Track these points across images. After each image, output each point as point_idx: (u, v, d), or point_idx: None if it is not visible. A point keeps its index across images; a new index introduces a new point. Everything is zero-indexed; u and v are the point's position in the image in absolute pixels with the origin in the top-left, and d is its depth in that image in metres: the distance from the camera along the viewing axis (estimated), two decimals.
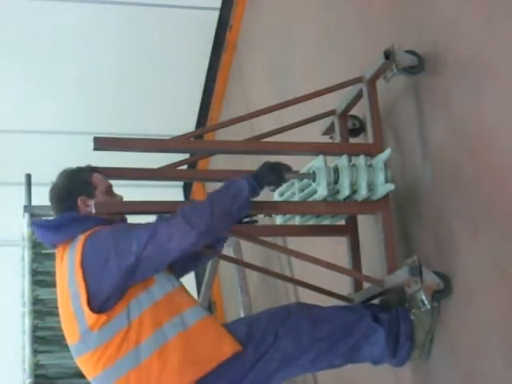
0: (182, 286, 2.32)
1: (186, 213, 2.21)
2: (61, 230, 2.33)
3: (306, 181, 2.52)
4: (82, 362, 2.29)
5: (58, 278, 2.35)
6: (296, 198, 2.56)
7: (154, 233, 2.20)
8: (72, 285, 2.23)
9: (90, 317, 2.18)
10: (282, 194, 2.66)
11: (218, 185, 2.35)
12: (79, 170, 2.42)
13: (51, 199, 2.42)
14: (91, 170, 2.42)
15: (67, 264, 2.26)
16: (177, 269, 2.44)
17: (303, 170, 2.56)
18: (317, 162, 2.47)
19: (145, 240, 2.18)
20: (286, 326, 2.33)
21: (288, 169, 2.41)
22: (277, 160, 2.42)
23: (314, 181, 2.45)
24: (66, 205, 2.37)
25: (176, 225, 2.19)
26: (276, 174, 2.36)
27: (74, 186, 2.38)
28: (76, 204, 2.35)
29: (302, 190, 2.55)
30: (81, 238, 2.25)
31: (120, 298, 2.19)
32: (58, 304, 2.35)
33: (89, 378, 2.30)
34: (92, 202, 2.30)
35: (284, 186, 2.63)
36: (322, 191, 2.43)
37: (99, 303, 2.18)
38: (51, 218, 2.41)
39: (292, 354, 2.30)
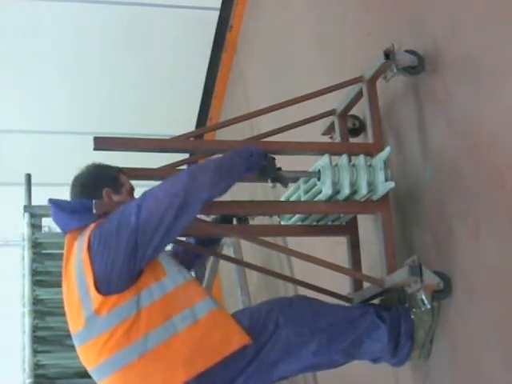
0: (194, 279, 2.33)
1: (189, 170, 2.25)
2: (74, 216, 2.33)
3: (310, 183, 2.52)
4: (86, 350, 2.28)
5: (65, 266, 2.33)
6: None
7: (148, 193, 2.20)
8: (79, 270, 2.22)
9: (96, 299, 2.17)
10: (288, 198, 2.66)
11: None
12: (108, 166, 2.45)
13: (74, 184, 2.42)
14: (119, 169, 2.45)
15: (76, 251, 2.26)
16: (184, 260, 2.48)
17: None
18: (322, 161, 2.47)
19: (139, 204, 2.17)
20: (286, 316, 2.33)
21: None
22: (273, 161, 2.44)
23: (318, 179, 2.45)
24: (88, 192, 2.37)
25: (172, 178, 2.20)
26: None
27: (103, 177, 2.40)
28: (99, 195, 2.36)
29: (307, 192, 2.55)
30: (92, 225, 2.25)
31: (129, 284, 2.18)
32: (64, 294, 2.34)
33: (91, 366, 2.27)
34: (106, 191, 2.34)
35: (290, 190, 2.64)
36: (326, 190, 2.43)
37: (106, 286, 2.17)
38: (67, 200, 2.39)
39: (293, 344, 2.30)
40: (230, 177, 2.30)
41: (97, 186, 2.38)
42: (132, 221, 2.16)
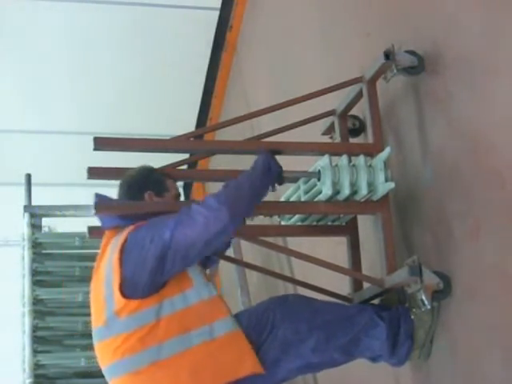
0: (219, 296, 2.32)
1: (206, 199, 2.24)
2: (114, 216, 2.35)
3: (311, 183, 2.53)
4: (102, 348, 2.30)
5: (98, 262, 2.36)
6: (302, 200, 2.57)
7: (186, 214, 2.22)
8: (109, 270, 2.24)
9: (119, 301, 2.19)
10: (288, 199, 2.66)
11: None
12: (156, 169, 2.47)
13: (121, 184, 2.45)
14: (167, 174, 2.47)
15: (110, 251, 2.29)
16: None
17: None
18: (322, 162, 2.47)
19: (174, 228, 2.19)
20: (282, 313, 2.34)
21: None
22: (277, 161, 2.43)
23: (319, 180, 2.45)
24: (132, 194, 2.40)
25: (209, 206, 2.21)
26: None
27: (147, 180, 2.43)
28: (142, 197, 2.39)
29: (307, 193, 2.55)
30: (128, 228, 2.27)
31: (153, 292, 2.20)
32: (91, 289, 2.37)
33: (104, 365, 2.30)
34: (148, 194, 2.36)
35: (290, 190, 2.64)
36: (326, 190, 2.43)
37: (131, 291, 2.19)
38: (113, 198, 2.41)
39: (290, 341, 2.31)
40: (260, 197, 2.35)
41: (140, 188, 2.41)
42: (166, 236, 2.19)
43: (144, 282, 2.19)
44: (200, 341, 2.20)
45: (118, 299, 2.20)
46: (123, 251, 2.22)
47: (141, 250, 2.20)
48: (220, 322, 2.25)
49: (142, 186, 2.41)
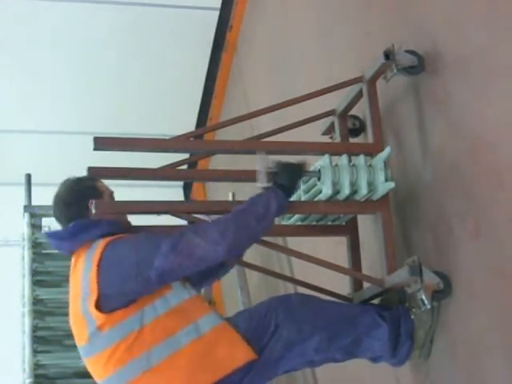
0: (198, 295, 2.33)
1: (206, 229, 2.23)
2: (76, 238, 2.33)
3: (311, 183, 2.53)
4: (91, 364, 2.29)
5: (71, 281, 2.34)
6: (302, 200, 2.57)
7: (183, 242, 2.21)
8: (85, 286, 2.23)
9: (98, 317, 2.18)
10: None
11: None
12: (83, 177, 2.43)
13: (57, 206, 2.41)
14: (93, 177, 2.43)
15: (83, 267, 2.27)
16: (193, 281, 2.44)
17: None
18: (322, 161, 2.47)
19: (168, 253, 2.19)
20: (285, 313, 2.34)
21: (303, 164, 2.45)
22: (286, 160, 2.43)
23: (319, 179, 2.45)
24: (74, 210, 2.36)
25: (198, 240, 2.20)
26: (298, 177, 2.42)
27: (83, 190, 2.39)
28: (86, 208, 2.35)
29: (307, 192, 2.55)
30: (101, 243, 2.25)
31: (133, 302, 2.20)
32: (70, 307, 2.35)
33: (99, 380, 2.29)
34: (92, 202, 2.31)
35: None
36: (326, 190, 2.43)
37: (108, 305, 2.18)
38: (63, 229, 2.39)
39: (294, 341, 2.31)
40: (263, 233, 2.35)
41: (80, 200, 2.36)
42: (156, 264, 2.18)
43: (125, 297, 2.19)
44: (188, 340, 2.20)
45: (97, 316, 2.19)
46: (100, 269, 2.20)
47: (123, 269, 2.20)
48: (204, 318, 2.25)
49: (80, 198, 2.37)
